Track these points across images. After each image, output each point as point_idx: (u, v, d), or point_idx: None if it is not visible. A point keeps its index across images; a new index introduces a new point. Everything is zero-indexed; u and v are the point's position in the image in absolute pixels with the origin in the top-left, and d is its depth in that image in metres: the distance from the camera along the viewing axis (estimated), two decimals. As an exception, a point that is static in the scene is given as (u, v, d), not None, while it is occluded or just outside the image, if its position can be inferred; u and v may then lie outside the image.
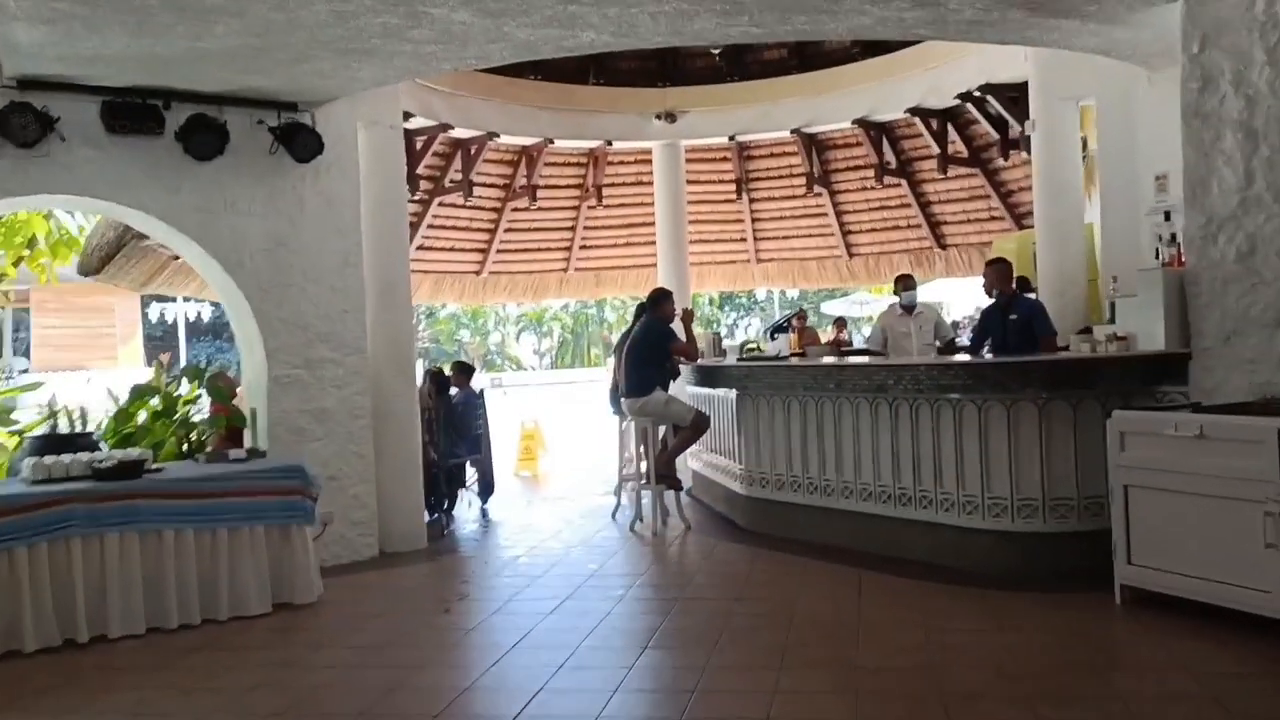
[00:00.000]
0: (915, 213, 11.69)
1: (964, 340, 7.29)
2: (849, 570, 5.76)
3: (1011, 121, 9.25)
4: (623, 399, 7.66)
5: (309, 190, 6.66)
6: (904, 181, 11.41)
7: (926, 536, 5.84)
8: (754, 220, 12.63)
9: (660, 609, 5.30)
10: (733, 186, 12.25)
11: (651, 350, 7.51)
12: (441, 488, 8.07)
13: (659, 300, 7.74)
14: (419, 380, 7.78)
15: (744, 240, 12.81)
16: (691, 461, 8.60)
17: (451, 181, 10.92)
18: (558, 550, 6.89)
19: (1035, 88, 7.61)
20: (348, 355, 6.78)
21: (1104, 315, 7.29)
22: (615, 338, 45.86)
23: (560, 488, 10.02)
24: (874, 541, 6.12)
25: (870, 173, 11.41)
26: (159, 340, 29.73)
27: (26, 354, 24.08)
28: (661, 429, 7.71)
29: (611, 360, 9.08)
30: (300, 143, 6.41)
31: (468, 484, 8.66)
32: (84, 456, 5.47)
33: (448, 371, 9.00)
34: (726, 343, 9.36)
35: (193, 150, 6.14)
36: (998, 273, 6.66)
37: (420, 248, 11.22)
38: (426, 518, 7.67)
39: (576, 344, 45.44)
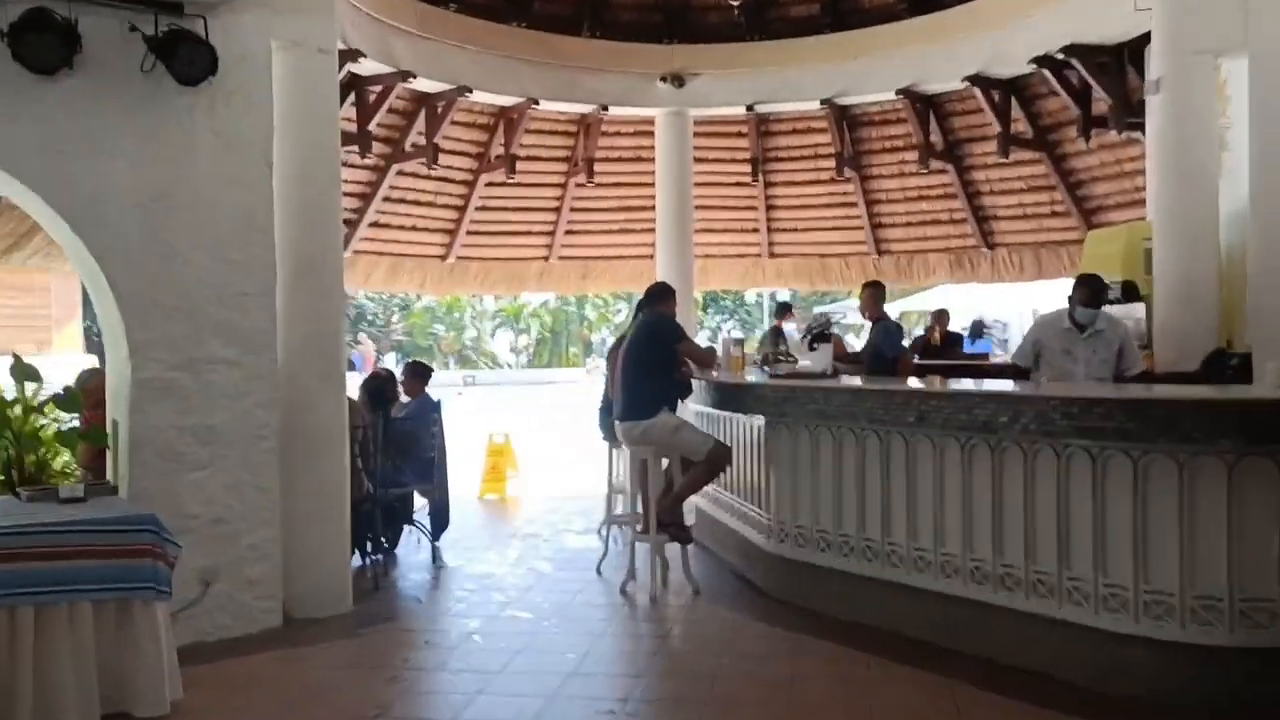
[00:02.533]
0: (960, 205, 10.00)
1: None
2: (934, 680, 4.11)
3: (1098, 93, 7.60)
4: (616, 421, 5.93)
5: (200, 125, 4.87)
6: (951, 167, 9.71)
7: (1045, 638, 4.16)
8: (769, 208, 10.89)
9: (674, 750, 3.57)
10: (747, 167, 10.49)
11: (654, 353, 5.79)
12: (378, 526, 6.31)
13: (661, 294, 6.09)
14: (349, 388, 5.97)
15: (756, 231, 11.06)
16: (694, 496, 6.86)
17: (413, 145, 9.13)
18: (526, 623, 5.16)
19: (1161, 39, 5.93)
20: (248, 353, 4.99)
21: (1244, 331, 5.66)
22: (596, 338, 44.11)
23: (532, 519, 8.26)
24: (960, 636, 4.45)
25: (911, 155, 9.70)
26: (112, 323, 27.58)
27: (-46, 334, 22.04)
28: (665, 461, 5.97)
29: (590, 364, 7.30)
30: (184, 57, 4.63)
31: (415, 519, 6.88)
32: None
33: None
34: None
35: (26, 58, 4.37)
36: (869, 296, 7.17)
37: (374, 224, 9.44)
38: (356, 563, 5.97)
39: (555, 342, 43.61)
